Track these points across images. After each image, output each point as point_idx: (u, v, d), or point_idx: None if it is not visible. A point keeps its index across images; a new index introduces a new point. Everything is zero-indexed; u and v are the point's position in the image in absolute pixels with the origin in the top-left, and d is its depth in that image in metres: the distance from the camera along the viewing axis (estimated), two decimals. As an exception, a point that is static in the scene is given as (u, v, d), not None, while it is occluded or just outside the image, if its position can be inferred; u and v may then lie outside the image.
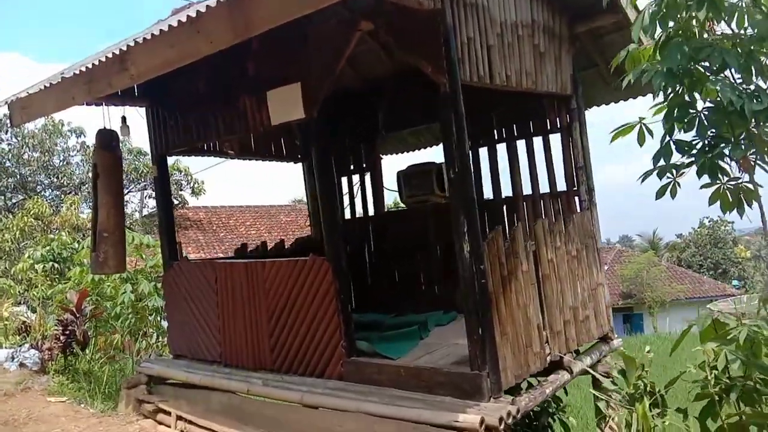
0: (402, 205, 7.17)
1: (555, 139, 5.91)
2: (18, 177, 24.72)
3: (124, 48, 4.22)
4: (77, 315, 7.30)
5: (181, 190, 26.16)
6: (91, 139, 25.52)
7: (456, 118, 4.09)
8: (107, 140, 5.91)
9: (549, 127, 5.90)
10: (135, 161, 25.59)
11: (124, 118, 5.87)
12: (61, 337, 7.24)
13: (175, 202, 26.55)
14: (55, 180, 25.57)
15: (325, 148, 5.10)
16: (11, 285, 12.12)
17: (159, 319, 8.99)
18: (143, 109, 6.39)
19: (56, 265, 11.89)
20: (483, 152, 6.61)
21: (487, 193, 6.60)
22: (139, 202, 27.50)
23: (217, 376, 5.54)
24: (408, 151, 8.29)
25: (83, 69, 4.53)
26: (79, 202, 21.39)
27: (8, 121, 5.93)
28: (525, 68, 4.91)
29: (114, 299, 8.70)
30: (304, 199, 36.27)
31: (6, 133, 24.49)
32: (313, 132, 5.07)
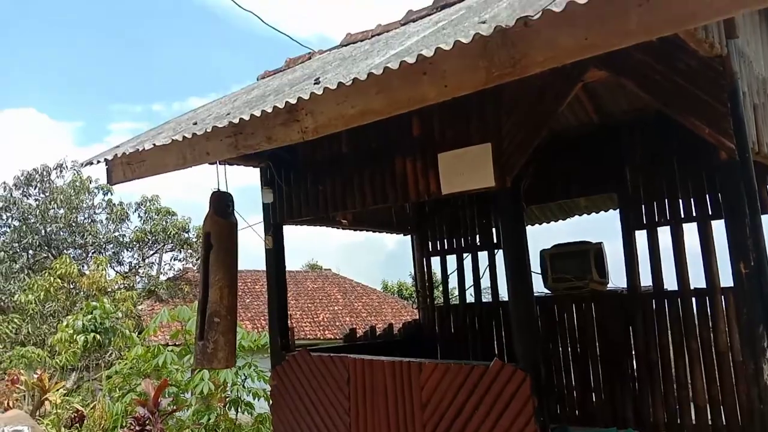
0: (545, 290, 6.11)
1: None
2: (43, 234, 23.79)
3: (290, 99, 3.31)
4: (155, 410, 6.11)
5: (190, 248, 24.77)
6: (117, 197, 24.79)
7: (749, 194, 3.09)
8: (223, 204, 4.94)
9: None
10: (162, 221, 24.73)
11: (269, 179, 4.97)
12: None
13: (184, 262, 25.13)
14: (79, 238, 24.61)
15: (517, 224, 4.09)
16: (45, 356, 10.95)
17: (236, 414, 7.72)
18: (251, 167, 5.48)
19: (97, 337, 10.74)
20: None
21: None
22: (165, 264, 26.41)
23: None
24: (538, 224, 7.27)
25: (231, 121, 3.60)
26: (106, 262, 20.36)
27: (105, 179, 4.93)
28: (775, 135, 3.96)
29: (180, 386, 7.50)
30: (319, 263, 35.05)
31: (35, 188, 23.78)
32: (503, 205, 4.08)
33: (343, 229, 6.27)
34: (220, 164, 5.01)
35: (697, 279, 5.17)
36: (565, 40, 2.47)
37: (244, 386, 7.85)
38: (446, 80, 2.86)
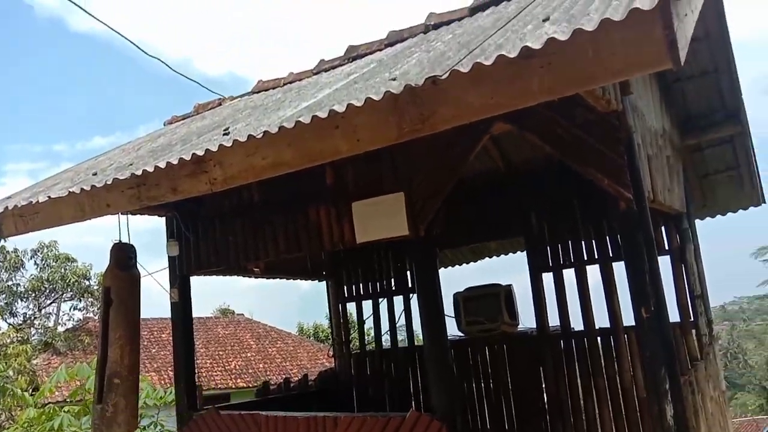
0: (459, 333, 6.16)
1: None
2: None
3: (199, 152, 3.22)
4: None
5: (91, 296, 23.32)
6: (11, 244, 23.08)
7: (647, 241, 3.26)
8: (124, 257, 4.69)
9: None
10: (60, 268, 23.21)
11: (175, 231, 4.74)
12: None
13: (85, 312, 23.42)
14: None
15: (430, 270, 4.11)
16: None
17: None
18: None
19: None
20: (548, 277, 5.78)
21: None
22: (64, 314, 24.68)
23: None
24: (451, 266, 7.37)
25: (134, 173, 3.44)
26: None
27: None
28: (666, 184, 4.24)
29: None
30: (231, 308, 33.89)
31: None
32: (415, 251, 4.09)
33: (255, 277, 6.08)
34: (122, 214, 4.77)
35: (601, 319, 5.40)
36: (472, 99, 2.53)
37: (148, 446, 7.36)
38: (358, 134, 2.86)
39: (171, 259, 5.16)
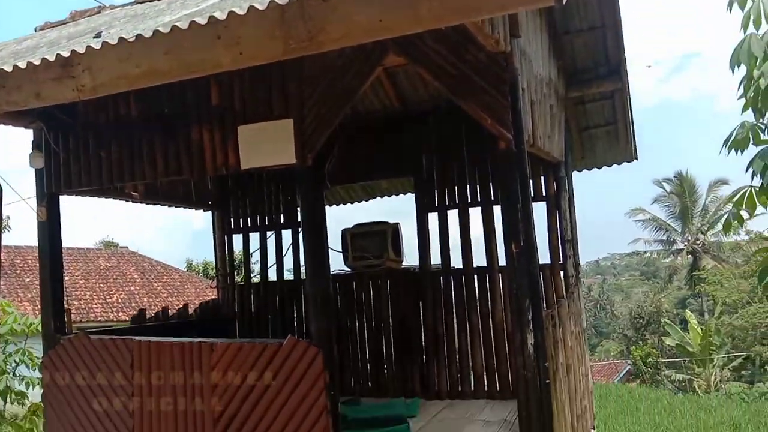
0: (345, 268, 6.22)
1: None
2: None
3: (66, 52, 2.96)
4: None
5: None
6: None
7: (521, 180, 3.40)
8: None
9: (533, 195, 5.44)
10: None
11: (43, 145, 4.36)
12: None
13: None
14: None
15: (316, 204, 4.07)
16: None
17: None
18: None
19: None
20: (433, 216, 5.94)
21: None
22: None
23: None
24: (342, 204, 7.37)
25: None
26: None
27: None
28: (547, 131, 4.41)
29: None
30: (115, 241, 32.64)
31: None
32: (304, 183, 4.02)
33: (134, 202, 5.78)
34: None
35: (480, 259, 5.65)
36: (360, 18, 2.47)
37: (15, 374, 6.99)
38: (242, 47, 2.72)
39: (38, 174, 4.78)
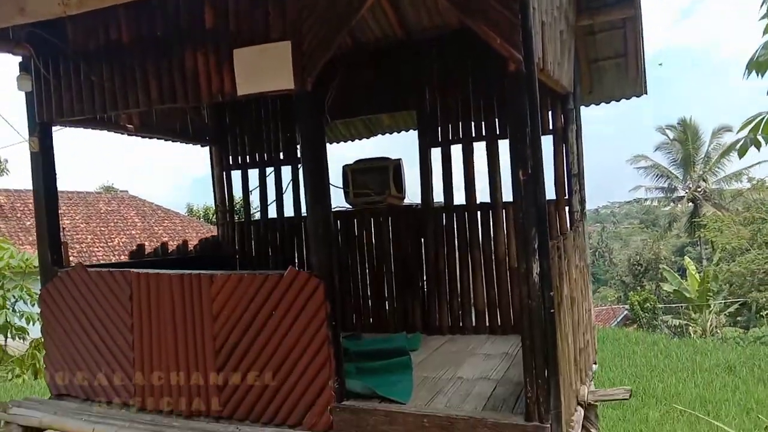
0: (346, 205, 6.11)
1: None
2: None
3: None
4: None
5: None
6: None
7: (531, 105, 3.24)
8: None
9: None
10: None
11: (33, 72, 4.19)
12: None
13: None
14: None
15: (317, 131, 3.92)
16: None
17: None
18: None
19: None
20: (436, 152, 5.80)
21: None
22: None
23: (138, 427, 4.07)
24: (343, 141, 7.20)
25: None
26: None
27: None
28: (557, 57, 4.22)
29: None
30: (116, 186, 32.55)
31: None
32: (303, 109, 3.87)
33: (128, 134, 5.63)
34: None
35: (483, 195, 5.55)
36: None
37: (14, 310, 7.00)
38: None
39: (29, 104, 4.63)
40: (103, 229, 24.31)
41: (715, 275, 25.44)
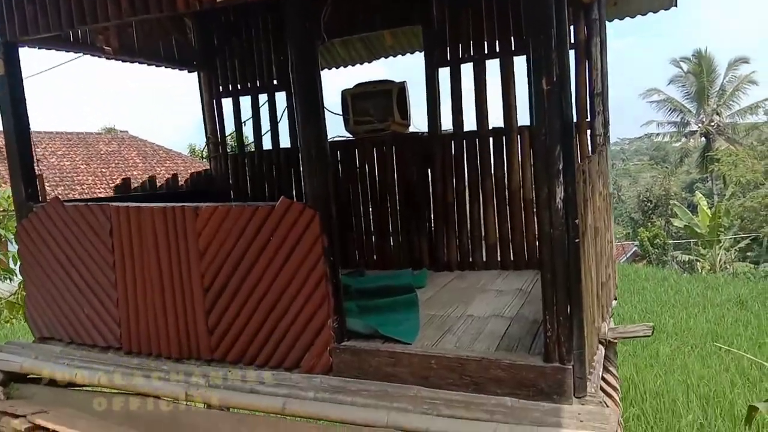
0: (346, 134, 5.66)
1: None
2: None
3: None
4: None
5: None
6: None
7: (558, 4, 2.76)
8: None
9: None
10: None
11: None
12: None
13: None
14: None
15: (307, 44, 3.44)
16: None
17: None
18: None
19: None
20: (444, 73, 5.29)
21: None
22: None
23: (124, 372, 3.78)
24: (343, 66, 6.68)
25: None
26: None
27: None
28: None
29: None
30: (117, 128, 32.09)
31: None
32: (289, 17, 3.38)
33: (107, 58, 5.15)
34: None
35: (496, 119, 5.08)
36: None
37: None
38: None
39: (-11, 20, 4.14)
40: (104, 170, 23.99)
41: (726, 210, 25.02)
